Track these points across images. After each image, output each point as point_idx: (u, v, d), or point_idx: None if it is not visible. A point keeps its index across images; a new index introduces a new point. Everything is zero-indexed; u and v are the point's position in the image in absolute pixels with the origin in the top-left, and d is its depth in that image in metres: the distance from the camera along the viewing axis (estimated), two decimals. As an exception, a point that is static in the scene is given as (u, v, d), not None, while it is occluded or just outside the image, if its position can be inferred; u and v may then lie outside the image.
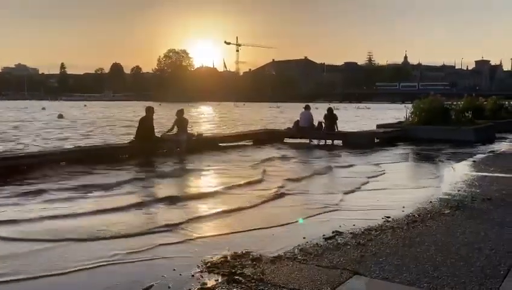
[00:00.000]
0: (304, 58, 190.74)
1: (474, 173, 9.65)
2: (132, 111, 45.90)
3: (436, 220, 5.67)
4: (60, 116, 36.26)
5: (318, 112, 19.37)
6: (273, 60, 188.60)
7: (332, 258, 4.28)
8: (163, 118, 22.51)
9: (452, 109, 19.80)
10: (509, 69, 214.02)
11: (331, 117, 17.09)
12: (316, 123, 17.31)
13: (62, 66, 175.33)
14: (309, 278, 3.75)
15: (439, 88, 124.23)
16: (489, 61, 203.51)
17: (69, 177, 8.96)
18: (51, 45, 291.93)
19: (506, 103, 29.77)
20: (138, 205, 6.82)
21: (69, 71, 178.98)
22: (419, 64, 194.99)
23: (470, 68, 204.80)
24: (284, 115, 42.24)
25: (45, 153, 11.45)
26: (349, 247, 4.62)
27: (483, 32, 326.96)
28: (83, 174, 9.33)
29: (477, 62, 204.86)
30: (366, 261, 4.17)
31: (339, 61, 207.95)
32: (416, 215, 5.96)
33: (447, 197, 7.14)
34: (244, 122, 31.44)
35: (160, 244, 4.91)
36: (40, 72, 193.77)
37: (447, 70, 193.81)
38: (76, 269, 4.20)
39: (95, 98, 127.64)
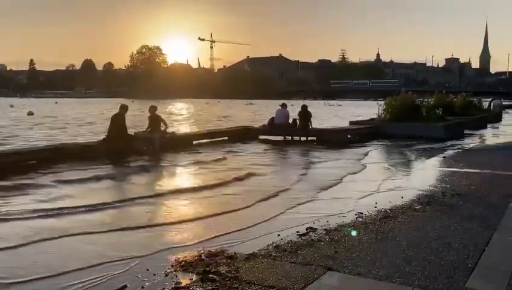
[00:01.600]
0: (278, 55, 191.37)
1: (444, 169, 9.87)
2: (104, 108, 45.14)
3: (408, 216, 5.78)
4: (30, 114, 35.42)
5: (292, 109, 19.42)
6: (248, 56, 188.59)
7: (306, 254, 4.31)
8: (137, 115, 22.26)
9: (423, 106, 20.22)
10: (478, 67, 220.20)
11: (305, 114, 17.20)
12: (290, 120, 17.37)
13: (31, 63, 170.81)
14: (283, 275, 3.77)
15: (388, 85, 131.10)
16: (458, 59, 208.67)
17: (32, 179, 8.55)
18: (20, 41, 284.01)
19: (475, 99, 30.61)
20: (109, 203, 6.73)
21: (38, 68, 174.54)
22: (391, 62, 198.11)
23: (440, 66, 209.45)
24: (251, 111, 42.32)
25: (13, 151, 11.14)
26: (322, 243, 4.67)
27: (453, 31, 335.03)
28: (49, 175, 8.98)
29: (447, 60, 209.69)
30: (339, 257, 4.22)
31: (313, 59, 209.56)
32: (388, 211, 6.07)
33: (418, 192, 7.28)
34: (210, 120, 31.34)
35: (134, 243, 4.86)
36: (8, 68, 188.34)
37: (418, 68, 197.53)
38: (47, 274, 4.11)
39: (66, 95, 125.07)
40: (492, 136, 20.51)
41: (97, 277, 3.98)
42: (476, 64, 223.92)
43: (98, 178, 8.76)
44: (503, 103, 42.82)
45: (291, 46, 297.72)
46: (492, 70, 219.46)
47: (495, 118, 30.05)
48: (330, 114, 40.27)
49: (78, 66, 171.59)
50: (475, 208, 6.15)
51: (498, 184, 7.91)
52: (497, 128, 25.36)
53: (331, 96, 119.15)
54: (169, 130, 14.25)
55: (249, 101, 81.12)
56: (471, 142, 16.58)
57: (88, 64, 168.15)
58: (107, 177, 8.95)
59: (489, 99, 39.13)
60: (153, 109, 13.37)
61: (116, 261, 4.34)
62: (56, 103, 67.89)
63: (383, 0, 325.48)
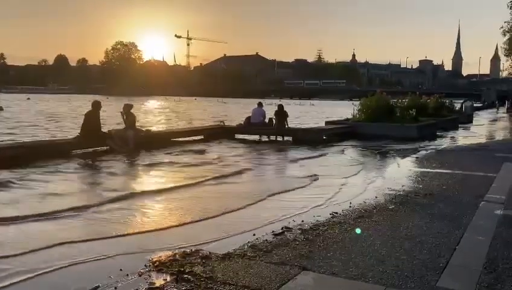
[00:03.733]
0: (255, 54, 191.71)
1: (418, 169, 10.04)
2: (78, 105, 44.37)
3: (382, 215, 5.86)
4: (0, 109, 34.47)
5: (268, 108, 19.50)
6: (225, 54, 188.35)
7: (282, 254, 4.32)
8: (112, 112, 21.88)
9: (397, 106, 20.53)
10: (450, 69, 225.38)
11: (281, 114, 17.29)
12: (267, 120, 17.41)
13: (1, 57, 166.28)
14: (258, 275, 3.77)
15: (337, 85, 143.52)
16: (432, 61, 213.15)
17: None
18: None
19: (447, 101, 31.25)
20: (79, 204, 6.60)
21: (9, 62, 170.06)
22: (366, 63, 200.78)
23: (414, 67, 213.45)
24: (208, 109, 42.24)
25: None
26: (297, 243, 4.68)
27: (427, 34, 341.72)
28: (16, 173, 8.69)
29: (421, 61, 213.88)
30: (314, 257, 4.23)
31: (290, 58, 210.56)
32: (362, 210, 6.13)
33: (392, 192, 7.37)
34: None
35: (107, 244, 4.79)
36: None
37: (392, 69, 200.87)
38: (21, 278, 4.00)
39: (39, 91, 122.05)
40: (463, 137, 20.95)
41: (69, 278, 3.90)
42: (448, 66, 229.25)
43: (68, 177, 8.60)
44: (474, 105, 43.87)
45: (269, 45, 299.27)
46: (464, 72, 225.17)
47: (466, 119, 30.77)
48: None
49: (51, 61, 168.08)
50: (447, 208, 6.27)
51: (469, 185, 8.09)
52: (468, 129, 25.95)
53: (307, 96, 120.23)
54: (143, 126, 14.10)
55: (221, 99, 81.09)
56: (443, 143, 16.92)
57: (61, 60, 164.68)
58: (77, 176, 8.78)
59: (461, 101, 40.03)
60: (127, 108, 13.22)
61: (88, 261, 4.26)
62: (28, 98, 66.11)
63: (360, 2, 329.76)
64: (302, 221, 5.54)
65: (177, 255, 4.27)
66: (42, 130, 18.86)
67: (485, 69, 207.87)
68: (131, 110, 13.41)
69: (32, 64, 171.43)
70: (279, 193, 7.57)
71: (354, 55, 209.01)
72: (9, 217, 5.65)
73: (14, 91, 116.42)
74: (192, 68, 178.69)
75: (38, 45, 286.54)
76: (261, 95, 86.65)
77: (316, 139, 16.09)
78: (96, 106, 12.43)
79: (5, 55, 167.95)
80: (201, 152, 12.75)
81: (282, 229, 5.20)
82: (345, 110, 27.11)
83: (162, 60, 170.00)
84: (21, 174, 8.55)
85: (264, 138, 17.04)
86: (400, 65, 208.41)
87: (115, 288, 3.60)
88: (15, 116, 28.30)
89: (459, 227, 5.28)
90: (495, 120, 38.71)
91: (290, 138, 16.63)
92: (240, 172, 9.60)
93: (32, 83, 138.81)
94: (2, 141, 13.52)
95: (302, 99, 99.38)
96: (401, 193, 7.34)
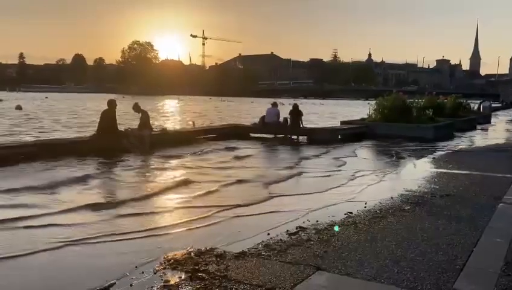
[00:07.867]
0: (270, 53, 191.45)
1: (434, 170, 9.93)
2: (96, 104, 44.82)
3: (397, 216, 5.80)
4: (18, 108, 34.94)
5: (283, 107, 19.47)
6: (240, 54, 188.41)
7: (296, 254, 4.31)
8: (128, 112, 22.02)
9: (414, 106, 20.30)
10: (468, 68, 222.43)
11: (296, 113, 17.24)
12: (281, 119, 17.39)
13: (21, 56, 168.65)
14: (272, 274, 3.77)
15: (306, 86, 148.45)
16: (449, 60, 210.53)
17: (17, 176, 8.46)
18: (9, 34, 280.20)
19: (464, 101, 30.82)
20: (96, 202, 6.68)
21: (28, 62, 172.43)
22: (382, 62, 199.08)
23: (431, 66, 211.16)
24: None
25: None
26: (312, 243, 4.66)
27: (445, 33, 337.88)
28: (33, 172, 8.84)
29: (438, 61, 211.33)
30: (329, 257, 4.22)
31: (305, 58, 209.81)
32: (378, 211, 6.08)
33: (407, 193, 7.31)
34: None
35: (121, 241, 4.83)
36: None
37: (409, 68, 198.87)
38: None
39: (56, 90, 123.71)
40: (481, 137, 20.68)
41: (85, 274, 3.95)
42: (466, 66, 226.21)
43: (85, 175, 8.68)
44: (492, 105, 43.23)
45: (283, 44, 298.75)
46: (482, 72, 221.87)
47: (484, 119, 30.33)
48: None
49: (68, 61, 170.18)
50: (464, 209, 6.19)
51: (486, 186, 7.98)
52: (486, 130, 25.58)
53: (322, 96, 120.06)
54: (161, 126, 14.18)
55: (224, 98, 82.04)
56: (460, 144, 16.71)
57: (79, 59, 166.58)
58: (94, 174, 8.87)
59: (479, 101, 39.48)
60: (137, 107, 13.29)
61: (104, 258, 4.31)
62: (46, 97, 66.97)
63: (377, 1, 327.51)
64: (317, 221, 5.52)
65: (192, 253, 4.29)
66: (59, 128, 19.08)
67: (504, 69, 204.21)
68: (142, 108, 13.47)
69: (50, 64, 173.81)
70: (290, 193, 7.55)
71: (370, 55, 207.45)
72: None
73: (32, 90, 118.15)
74: (208, 68, 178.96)
75: (56, 44, 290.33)
76: (275, 94, 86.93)
77: (331, 139, 16.01)
78: (112, 104, 12.53)
79: (24, 55, 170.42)
80: (218, 151, 12.78)
81: (296, 228, 5.19)
82: (350, 109, 26.83)
83: (177, 59, 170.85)
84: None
85: (279, 138, 16.97)
86: (416, 65, 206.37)
87: (131, 285, 3.64)
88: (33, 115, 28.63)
89: (476, 229, 5.21)
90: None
91: (304, 138, 16.57)
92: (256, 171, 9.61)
93: (50, 82, 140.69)
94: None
95: (316, 99, 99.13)
96: (417, 193, 7.27)
